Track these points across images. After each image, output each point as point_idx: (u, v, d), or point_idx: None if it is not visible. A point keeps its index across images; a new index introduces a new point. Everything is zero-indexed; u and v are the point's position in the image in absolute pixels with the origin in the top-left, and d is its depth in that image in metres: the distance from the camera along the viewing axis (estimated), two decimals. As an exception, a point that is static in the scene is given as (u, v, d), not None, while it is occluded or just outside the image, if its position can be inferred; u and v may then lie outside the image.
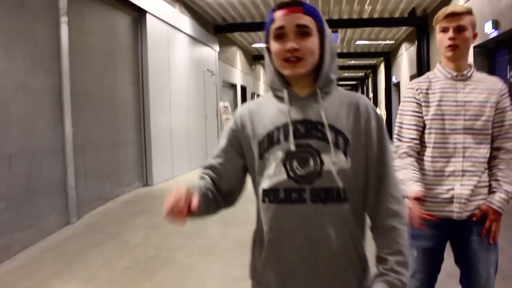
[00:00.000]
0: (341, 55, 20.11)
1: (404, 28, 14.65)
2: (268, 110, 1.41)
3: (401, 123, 2.25)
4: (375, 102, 25.43)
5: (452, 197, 2.12)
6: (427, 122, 2.19)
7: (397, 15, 12.79)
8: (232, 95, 16.60)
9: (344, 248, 1.33)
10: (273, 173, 1.33)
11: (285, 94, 1.37)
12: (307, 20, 1.32)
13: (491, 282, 2.11)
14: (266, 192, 1.35)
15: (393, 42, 17.53)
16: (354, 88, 44.04)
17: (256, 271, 1.44)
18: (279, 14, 1.33)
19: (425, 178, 2.16)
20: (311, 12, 1.34)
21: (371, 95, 28.03)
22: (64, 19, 5.71)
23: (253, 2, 11.18)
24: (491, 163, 2.17)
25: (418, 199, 2.07)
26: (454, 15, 2.12)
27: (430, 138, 2.18)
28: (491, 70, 8.25)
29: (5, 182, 4.68)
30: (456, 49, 2.12)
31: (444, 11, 2.15)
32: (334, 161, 1.31)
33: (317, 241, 1.32)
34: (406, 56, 16.50)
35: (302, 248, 1.33)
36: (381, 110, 22.91)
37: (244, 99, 17.52)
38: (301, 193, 1.31)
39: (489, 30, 8.34)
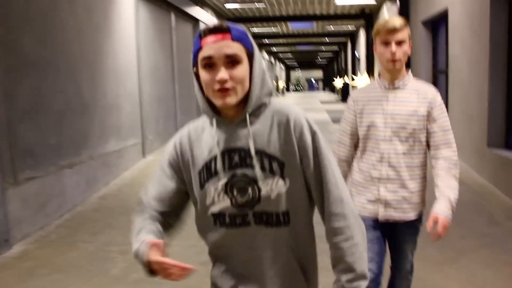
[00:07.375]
0: (316, 34, 26.13)
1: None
2: (205, 137, 1.38)
3: (340, 129, 2.40)
4: (345, 73, 31.15)
5: (377, 200, 2.25)
6: (361, 131, 2.27)
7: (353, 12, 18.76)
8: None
9: (289, 268, 1.37)
10: (217, 200, 1.35)
11: (214, 123, 1.35)
12: (236, 48, 1.26)
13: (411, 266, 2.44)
14: (216, 215, 1.37)
15: (354, 28, 23.47)
16: (331, 60, 48.21)
17: (212, 283, 1.48)
18: (206, 41, 1.26)
19: (357, 180, 2.33)
20: (240, 38, 1.28)
21: (343, 66, 33.76)
22: (174, 32, 11.54)
23: None
24: (432, 172, 2.19)
25: None
26: (395, 30, 2.13)
27: (362, 145, 2.29)
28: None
29: (154, 114, 10.56)
30: (397, 62, 2.16)
31: (384, 24, 2.16)
32: (271, 188, 1.31)
33: (261, 260, 1.36)
34: (363, 38, 22.40)
35: (249, 265, 1.38)
36: (349, 78, 28.79)
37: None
38: (245, 217, 1.34)
39: None
